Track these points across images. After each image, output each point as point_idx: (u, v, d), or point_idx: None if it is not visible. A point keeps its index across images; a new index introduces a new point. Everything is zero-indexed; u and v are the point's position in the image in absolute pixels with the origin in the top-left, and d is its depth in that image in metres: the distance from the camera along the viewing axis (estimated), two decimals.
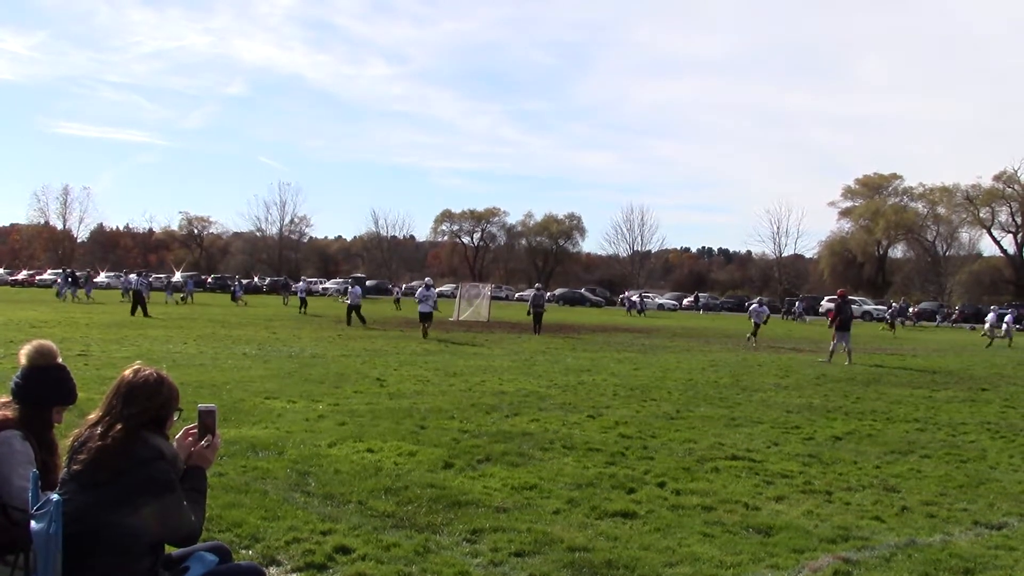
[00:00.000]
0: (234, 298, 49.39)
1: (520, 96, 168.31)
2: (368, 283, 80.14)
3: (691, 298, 79.37)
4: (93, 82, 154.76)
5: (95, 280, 60.86)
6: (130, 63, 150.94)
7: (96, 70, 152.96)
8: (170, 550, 3.43)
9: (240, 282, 57.53)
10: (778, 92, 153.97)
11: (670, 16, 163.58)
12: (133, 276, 38.23)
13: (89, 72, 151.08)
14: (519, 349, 21.77)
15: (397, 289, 57.05)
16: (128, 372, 3.29)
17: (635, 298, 61.69)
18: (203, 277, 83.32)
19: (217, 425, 3.47)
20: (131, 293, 34.78)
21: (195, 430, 3.42)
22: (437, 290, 41.86)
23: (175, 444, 3.41)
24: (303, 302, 40.54)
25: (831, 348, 21.15)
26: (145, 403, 3.19)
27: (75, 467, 3.13)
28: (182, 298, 48.11)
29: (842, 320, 21.22)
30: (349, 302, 31.42)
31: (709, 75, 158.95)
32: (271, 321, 31.15)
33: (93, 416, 3.24)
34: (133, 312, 31.15)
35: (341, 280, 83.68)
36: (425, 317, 25.45)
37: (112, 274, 75.55)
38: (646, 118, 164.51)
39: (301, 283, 45.90)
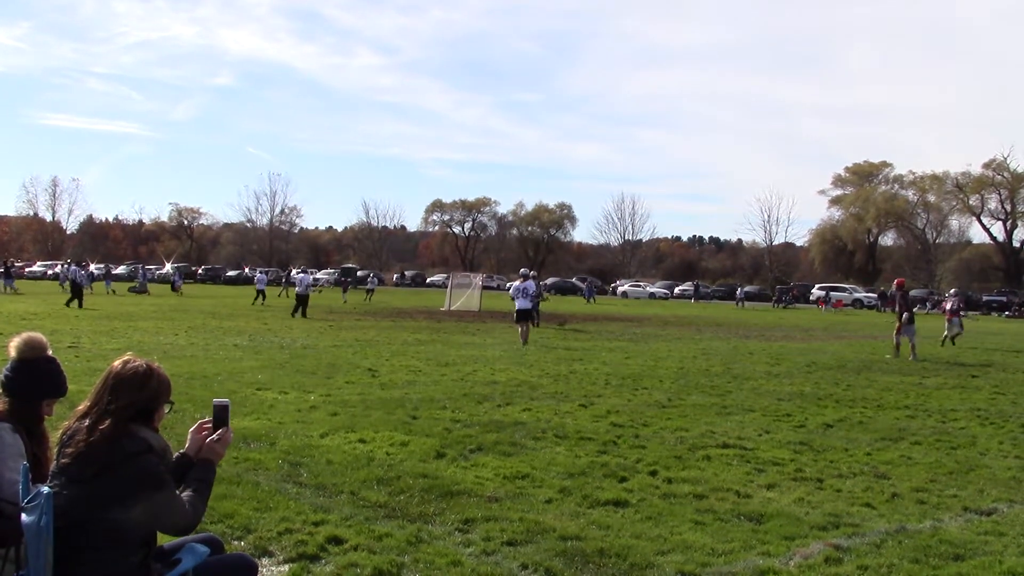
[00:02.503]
0: (174, 288, 48.41)
1: (509, 87, 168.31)
2: (359, 273, 79.96)
3: (684, 286, 79.27)
4: (79, 73, 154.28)
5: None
6: (116, 54, 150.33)
7: (82, 61, 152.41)
8: (162, 542, 3.43)
9: (180, 272, 56.07)
10: (768, 81, 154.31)
11: (659, 5, 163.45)
12: (73, 266, 35.99)
13: (75, 63, 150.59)
14: (511, 339, 21.77)
15: (372, 280, 54.29)
16: (117, 363, 3.25)
17: (585, 285, 62.69)
18: (193, 268, 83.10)
19: (230, 419, 3.49)
20: (69, 284, 33.03)
21: (209, 423, 3.43)
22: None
23: (188, 436, 3.43)
24: (260, 293, 38.67)
25: (911, 342, 19.31)
26: (133, 396, 3.15)
27: (63, 461, 3.11)
28: (132, 289, 47.15)
29: (908, 312, 19.75)
30: (297, 290, 29.56)
31: (699, 65, 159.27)
32: (262, 312, 31.08)
33: (81, 408, 3.20)
34: (69, 303, 30.16)
35: (332, 271, 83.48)
36: (523, 316, 20.90)
37: (101, 265, 75.11)
38: (636, 108, 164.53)
39: (259, 273, 44.22)
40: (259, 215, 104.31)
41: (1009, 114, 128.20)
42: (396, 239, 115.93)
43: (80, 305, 29.94)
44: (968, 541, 5.45)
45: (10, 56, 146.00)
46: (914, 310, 20.46)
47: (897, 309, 20.23)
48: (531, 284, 21.91)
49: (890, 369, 16.69)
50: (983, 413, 11.10)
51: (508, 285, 41.64)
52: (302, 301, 28.76)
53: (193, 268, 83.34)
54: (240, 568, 3.50)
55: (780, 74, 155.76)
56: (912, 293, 66.38)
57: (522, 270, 23.35)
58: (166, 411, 3.33)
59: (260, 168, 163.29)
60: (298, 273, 31.29)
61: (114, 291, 44.36)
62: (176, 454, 3.50)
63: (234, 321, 25.18)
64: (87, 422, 3.13)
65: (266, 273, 46.60)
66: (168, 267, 78.98)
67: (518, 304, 21.24)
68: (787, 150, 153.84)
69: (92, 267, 49.93)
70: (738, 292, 64.76)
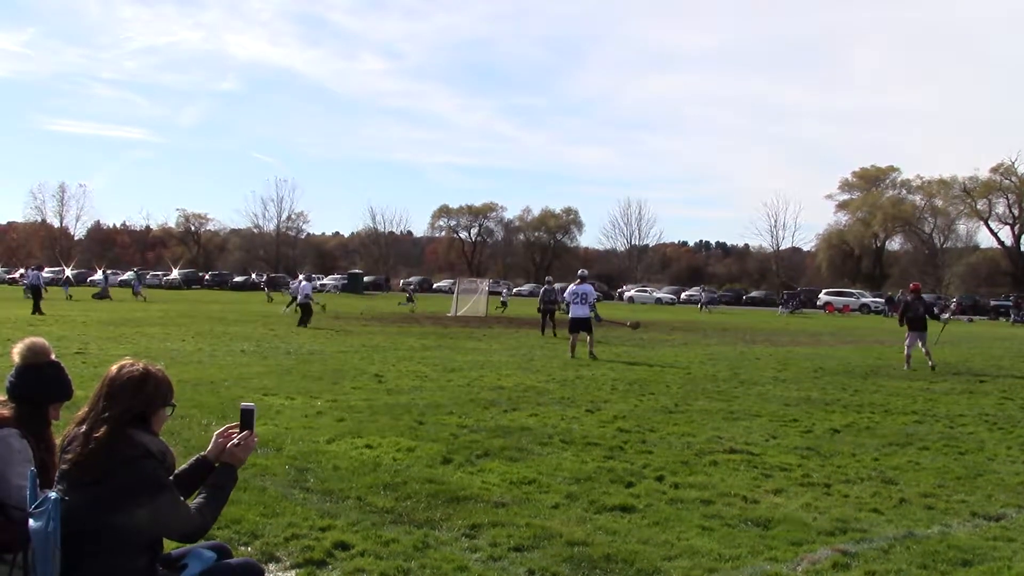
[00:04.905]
0: (134, 292, 48.05)
1: (514, 91, 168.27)
2: (365, 279, 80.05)
3: (691, 291, 78.81)
4: (85, 79, 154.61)
5: (92, 279, 59.95)
6: (122, 59, 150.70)
7: (88, 67, 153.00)
8: (169, 548, 3.43)
9: (140, 275, 55.41)
10: (773, 85, 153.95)
11: (663, 9, 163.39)
12: (32, 271, 33.96)
13: (81, 69, 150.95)
14: (517, 344, 21.77)
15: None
16: (114, 368, 3.25)
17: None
18: (200, 273, 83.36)
19: (255, 424, 3.49)
20: (31, 290, 31.30)
21: (236, 428, 3.44)
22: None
23: (212, 439, 3.43)
24: (270, 298, 38.70)
25: (906, 352, 18.05)
26: (129, 401, 3.15)
27: (64, 467, 3.13)
28: (96, 295, 46.80)
29: (910, 319, 18.13)
30: (298, 299, 27.83)
31: (704, 69, 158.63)
32: (268, 318, 31.13)
33: (80, 413, 3.22)
34: (34, 311, 28.80)
35: (339, 276, 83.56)
36: (580, 325, 18.61)
37: (110, 271, 75.22)
38: (641, 112, 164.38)
39: (263, 277, 43.80)
40: (266, 221, 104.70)
41: (1016, 118, 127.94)
42: (403, 244, 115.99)
43: (34, 311, 28.63)
44: (976, 547, 5.43)
45: (17, 62, 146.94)
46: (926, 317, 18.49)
47: (912, 315, 18.12)
48: (590, 288, 19.31)
49: (897, 374, 16.64)
50: (991, 418, 11.06)
51: (528, 290, 39.56)
52: (304, 310, 26.82)
53: (200, 274, 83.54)
54: (247, 573, 3.50)
55: (785, 78, 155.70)
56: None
57: (580, 271, 20.50)
58: (168, 414, 3.33)
59: (266, 173, 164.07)
60: (302, 280, 29.97)
61: (71, 296, 43.66)
62: (194, 457, 3.50)
63: (241, 327, 25.23)
64: (84, 428, 3.13)
65: (270, 277, 46.17)
66: (175, 272, 79.33)
67: (574, 311, 18.77)
68: (794, 154, 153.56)
69: (46, 271, 49.26)
70: (702, 295, 64.43)
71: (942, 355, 21.84)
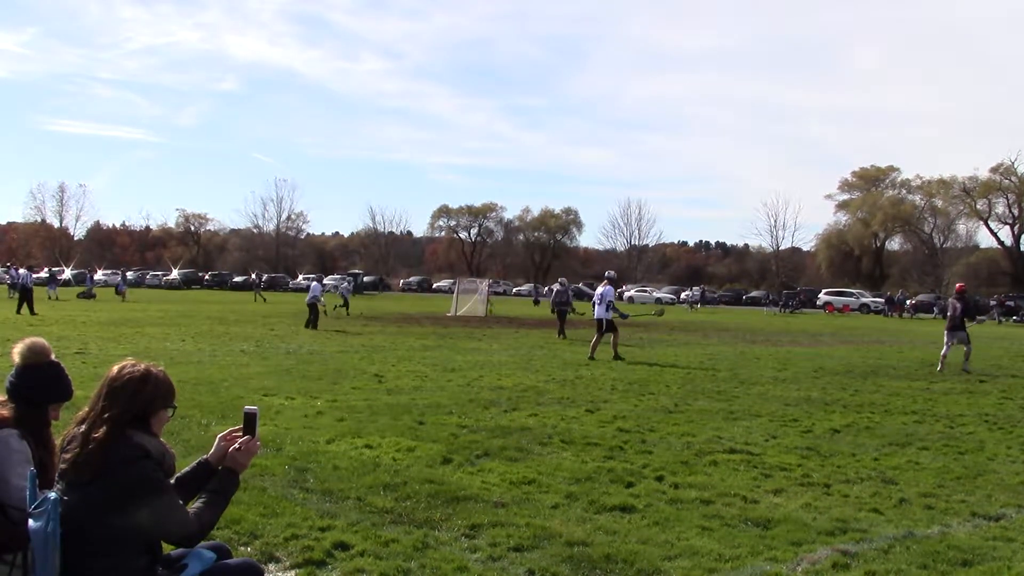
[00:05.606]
0: (118, 291, 48.02)
1: (515, 91, 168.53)
2: (365, 279, 79.95)
3: (689, 291, 78.61)
4: (85, 79, 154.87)
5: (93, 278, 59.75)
6: (121, 60, 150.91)
7: (88, 67, 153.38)
8: (169, 549, 3.43)
9: (124, 276, 54.85)
10: (774, 85, 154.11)
11: (663, 9, 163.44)
12: (23, 270, 33.15)
13: (81, 69, 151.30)
14: (517, 344, 21.77)
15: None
16: (114, 369, 3.25)
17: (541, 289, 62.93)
18: (200, 274, 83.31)
19: (257, 428, 3.46)
20: (19, 289, 30.91)
21: (239, 431, 3.43)
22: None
23: (215, 443, 3.42)
24: (262, 299, 37.68)
25: (943, 352, 18.08)
26: (128, 401, 3.14)
27: (63, 466, 3.13)
28: (80, 294, 46.74)
29: (951, 318, 18.43)
30: (308, 299, 27.04)
31: (704, 69, 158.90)
32: (268, 318, 31.12)
33: (81, 413, 3.22)
34: (19, 310, 28.78)
35: (339, 276, 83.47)
36: (598, 325, 18.89)
37: (101, 271, 74.94)
38: (642, 112, 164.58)
39: (262, 277, 43.21)
40: (266, 221, 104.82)
41: (1016, 118, 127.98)
42: (402, 244, 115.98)
43: (32, 311, 28.53)
44: (976, 547, 5.43)
45: (17, 62, 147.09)
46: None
47: (952, 314, 18.38)
48: (608, 289, 19.17)
49: (897, 374, 16.64)
50: (991, 418, 11.06)
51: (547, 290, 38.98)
52: (312, 311, 26.23)
53: (200, 274, 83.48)
54: (246, 573, 3.50)
55: (786, 78, 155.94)
56: (920, 298, 66.14)
57: (607, 273, 20.37)
58: (168, 416, 3.31)
59: (266, 174, 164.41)
60: (310, 281, 29.41)
61: (57, 297, 43.31)
62: (196, 460, 3.49)
63: (241, 327, 25.22)
64: (84, 428, 3.13)
65: (264, 277, 45.57)
66: (174, 272, 79.24)
67: (596, 312, 19.02)
68: (794, 154, 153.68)
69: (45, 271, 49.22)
70: (690, 295, 64.31)
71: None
